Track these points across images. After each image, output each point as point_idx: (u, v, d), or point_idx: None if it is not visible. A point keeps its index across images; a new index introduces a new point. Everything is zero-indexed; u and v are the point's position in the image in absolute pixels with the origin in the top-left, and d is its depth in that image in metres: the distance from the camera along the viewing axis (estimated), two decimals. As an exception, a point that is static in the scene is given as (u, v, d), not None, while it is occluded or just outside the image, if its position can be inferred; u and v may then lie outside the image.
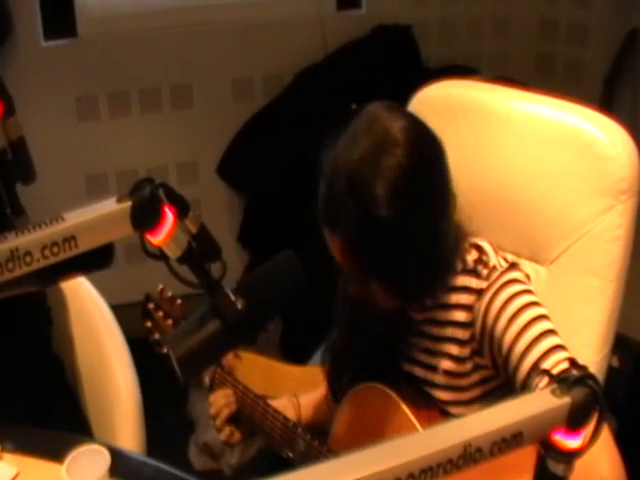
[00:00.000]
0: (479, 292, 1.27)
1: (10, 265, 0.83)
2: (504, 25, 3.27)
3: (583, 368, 0.81)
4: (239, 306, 0.99)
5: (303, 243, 1.34)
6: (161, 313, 1.64)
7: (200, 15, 2.94)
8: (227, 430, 1.56)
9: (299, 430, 1.47)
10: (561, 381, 0.79)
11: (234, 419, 1.56)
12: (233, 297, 0.99)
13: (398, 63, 3.01)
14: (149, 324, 1.66)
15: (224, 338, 1.01)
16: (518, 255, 1.43)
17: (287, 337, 2.77)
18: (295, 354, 1.97)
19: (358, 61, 2.99)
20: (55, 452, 1.26)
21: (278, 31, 2.99)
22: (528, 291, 1.26)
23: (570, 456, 0.80)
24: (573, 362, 0.83)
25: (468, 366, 1.31)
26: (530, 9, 3.24)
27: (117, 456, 1.23)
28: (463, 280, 1.29)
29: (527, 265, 1.43)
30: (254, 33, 2.96)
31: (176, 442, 2.53)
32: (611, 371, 1.48)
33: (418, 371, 1.37)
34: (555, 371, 0.80)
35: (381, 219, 1.17)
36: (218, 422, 1.56)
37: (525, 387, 1.19)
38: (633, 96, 2.94)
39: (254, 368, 1.73)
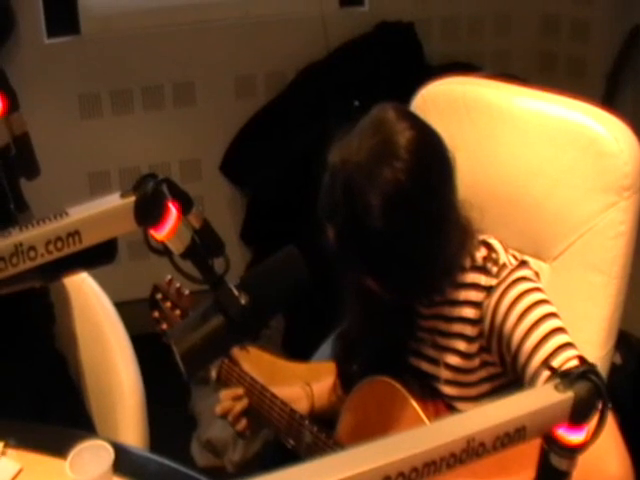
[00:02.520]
0: (488, 289, 1.27)
1: (14, 260, 0.84)
2: (506, 22, 3.27)
3: (592, 365, 0.81)
4: (242, 302, 0.99)
5: (305, 240, 1.34)
6: (169, 304, 1.62)
7: (203, 13, 2.94)
8: (243, 422, 1.55)
9: (306, 422, 1.47)
10: (564, 376, 0.79)
11: (246, 412, 1.56)
12: (236, 292, 0.99)
13: (400, 60, 3.01)
14: (157, 314, 1.64)
15: (227, 333, 1.01)
16: (521, 252, 1.43)
17: (290, 334, 2.77)
18: (298, 351, 1.97)
19: (361, 58, 2.99)
20: (58, 448, 1.25)
21: (281, 28, 2.99)
22: (537, 289, 1.26)
23: (573, 451, 0.80)
24: (582, 360, 0.83)
25: (475, 362, 1.31)
26: (532, 6, 3.24)
27: (120, 452, 1.23)
28: (472, 277, 1.29)
29: (530, 262, 1.43)
30: (257, 30, 2.96)
31: (179, 438, 2.54)
32: (613, 368, 1.48)
33: (425, 366, 1.37)
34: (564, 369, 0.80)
35: (372, 228, 1.16)
36: (231, 417, 1.55)
37: (533, 384, 1.18)
38: (636, 93, 2.94)
39: (258, 363, 1.73)
